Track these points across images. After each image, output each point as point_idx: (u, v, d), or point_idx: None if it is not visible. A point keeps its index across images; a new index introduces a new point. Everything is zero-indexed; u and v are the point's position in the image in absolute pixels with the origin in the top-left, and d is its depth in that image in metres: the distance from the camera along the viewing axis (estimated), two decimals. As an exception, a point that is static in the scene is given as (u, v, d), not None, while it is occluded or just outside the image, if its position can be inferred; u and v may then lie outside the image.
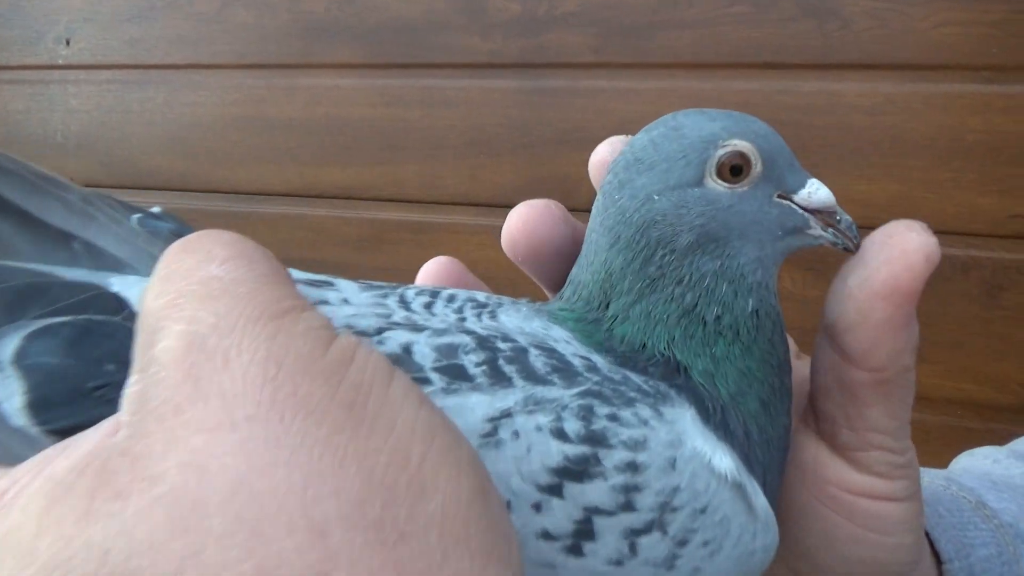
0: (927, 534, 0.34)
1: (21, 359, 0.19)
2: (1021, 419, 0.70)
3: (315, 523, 0.14)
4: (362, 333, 0.22)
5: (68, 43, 0.96)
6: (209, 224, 0.83)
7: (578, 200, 0.29)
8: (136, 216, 0.25)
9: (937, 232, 0.76)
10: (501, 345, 0.23)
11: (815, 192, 0.26)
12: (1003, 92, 0.67)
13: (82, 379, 0.19)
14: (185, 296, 0.17)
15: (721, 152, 0.25)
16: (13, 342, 0.19)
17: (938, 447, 0.60)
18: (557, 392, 0.22)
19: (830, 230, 0.26)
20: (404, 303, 0.25)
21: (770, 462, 0.26)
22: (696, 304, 0.26)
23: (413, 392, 0.17)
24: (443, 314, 0.25)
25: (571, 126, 0.79)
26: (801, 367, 0.30)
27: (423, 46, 0.83)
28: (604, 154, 0.30)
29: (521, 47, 0.80)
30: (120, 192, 0.97)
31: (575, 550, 0.21)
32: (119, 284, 0.22)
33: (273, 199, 0.91)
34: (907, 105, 0.70)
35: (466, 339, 0.23)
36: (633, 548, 0.21)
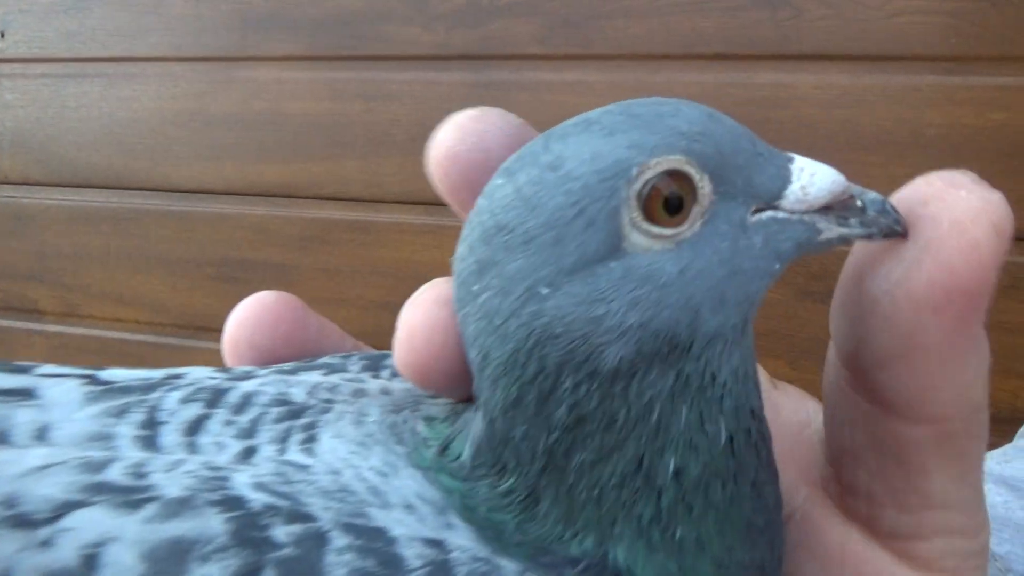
0: None
1: None
2: (997, 430, 0.66)
3: None
4: (22, 521, 0.13)
5: (3, 35, 0.93)
6: (148, 224, 0.78)
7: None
8: None
9: (894, 231, 0.71)
10: (278, 534, 0.14)
11: (812, 181, 0.17)
12: (963, 84, 0.64)
13: None
14: None
15: (639, 186, 0.16)
16: None
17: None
18: None
19: (852, 220, 0.17)
20: (150, 427, 0.16)
21: None
22: (642, 461, 0.16)
23: None
24: (215, 445, 0.15)
25: (517, 121, 0.76)
26: (786, 403, 0.21)
27: (365, 38, 0.79)
28: (448, 144, 0.20)
29: (465, 39, 0.76)
30: (57, 190, 0.93)
31: None
32: None
33: (212, 197, 0.87)
34: (863, 98, 0.66)
35: (215, 526, 0.13)
36: None
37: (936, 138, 0.64)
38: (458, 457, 0.16)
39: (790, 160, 0.17)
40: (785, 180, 0.17)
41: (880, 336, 0.17)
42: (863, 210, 0.17)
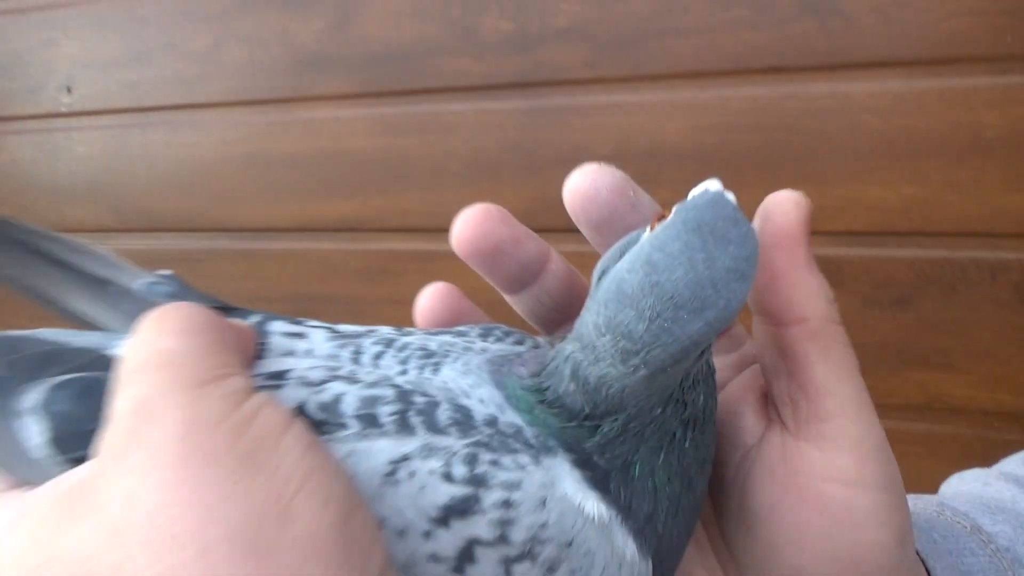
0: (924, 563, 0.34)
1: (47, 406, 0.25)
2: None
3: (201, 543, 0.20)
4: (309, 383, 0.26)
5: (69, 91, 0.97)
6: (219, 263, 0.84)
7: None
8: (144, 281, 0.30)
9: (961, 235, 0.72)
10: (417, 399, 0.26)
11: None
12: (1021, 83, 0.63)
13: (87, 422, 0.24)
14: (141, 364, 0.22)
15: None
16: (39, 394, 0.25)
17: (978, 461, 0.56)
18: (450, 441, 0.25)
19: None
20: (357, 354, 0.28)
21: (683, 533, 0.28)
22: (667, 415, 0.27)
23: (301, 442, 0.22)
24: (387, 366, 0.28)
25: (571, 145, 0.77)
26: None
27: (417, 72, 0.81)
28: (581, 186, 0.30)
29: (515, 66, 0.78)
30: (131, 236, 0.97)
31: (459, 571, 0.24)
32: (118, 346, 0.27)
33: (278, 235, 0.90)
34: (919, 103, 0.66)
35: (388, 392, 0.26)
36: (508, 573, 0.24)
37: (996, 139, 0.64)
38: (544, 389, 0.27)
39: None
40: None
41: (759, 276, 0.27)
42: None
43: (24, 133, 1.00)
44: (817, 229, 0.70)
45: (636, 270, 0.24)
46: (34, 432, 0.25)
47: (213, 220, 0.93)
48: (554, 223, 0.74)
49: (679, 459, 0.27)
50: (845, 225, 0.69)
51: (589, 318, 0.26)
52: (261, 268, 0.91)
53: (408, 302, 1.02)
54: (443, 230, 0.94)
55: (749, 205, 0.24)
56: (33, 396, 0.26)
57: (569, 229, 0.30)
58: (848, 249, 0.69)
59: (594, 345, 0.25)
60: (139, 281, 0.30)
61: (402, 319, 1.00)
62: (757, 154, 0.71)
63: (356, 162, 0.85)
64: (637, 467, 0.27)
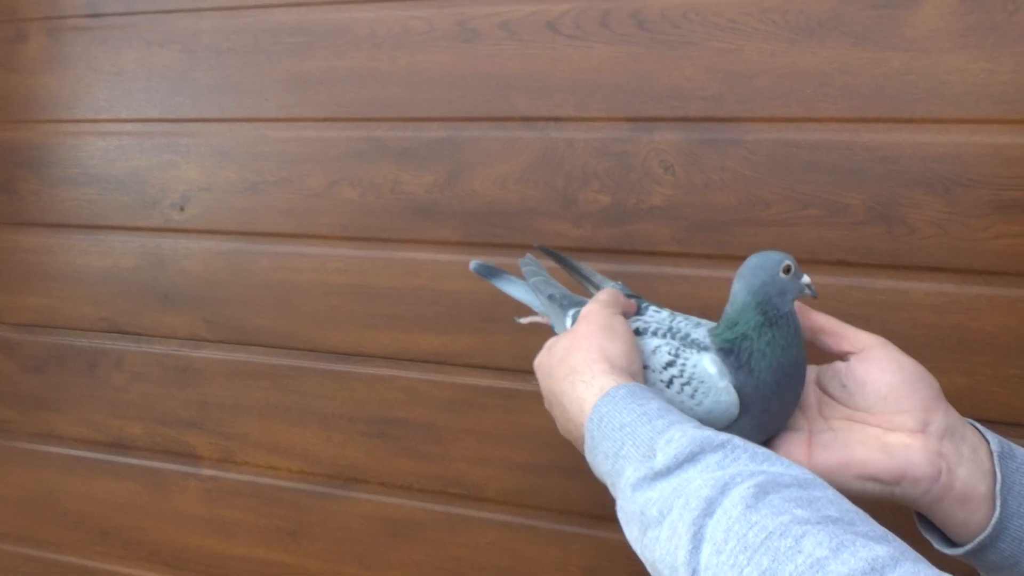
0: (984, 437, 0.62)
1: (573, 315, 0.72)
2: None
3: (576, 338, 0.64)
4: (643, 321, 0.68)
5: (182, 209, 1.05)
6: (306, 381, 0.96)
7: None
8: (609, 283, 0.76)
9: (1007, 424, 0.81)
10: (674, 328, 0.66)
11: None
12: (1060, 297, 0.74)
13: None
14: (594, 300, 0.69)
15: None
16: (572, 310, 0.72)
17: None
18: (675, 343, 0.65)
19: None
20: (672, 316, 0.68)
21: (771, 378, 0.61)
22: (762, 327, 0.62)
23: (628, 329, 0.66)
24: (675, 320, 0.67)
25: (656, 308, 0.86)
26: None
27: (517, 229, 0.91)
28: None
29: (609, 235, 0.88)
30: (222, 347, 1.03)
31: (666, 383, 0.63)
32: (593, 298, 0.70)
33: (368, 360, 0.98)
34: (971, 305, 0.76)
35: (664, 325, 0.67)
36: (681, 389, 0.63)
37: (1040, 344, 0.74)
38: (717, 327, 0.65)
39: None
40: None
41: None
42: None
43: (131, 243, 1.08)
44: (877, 406, 0.79)
45: (743, 275, 0.63)
46: (568, 321, 0.71)
47: (305, 341, 1.00)
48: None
49: (770, 341, 0.61)
50: (902, 405, 0.78)
51: (734, 293, 0.64)
52: (347, 390, 0.98)
53: (489, 435, 1.10)
54: (530, 371, 1.01)
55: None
56: (570, 310, 0.72)
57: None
58: (904, 426, 0.78)
59: (734, 300, 0.63)
60: (607, 283, 0.75)
61: (482, 450, 1.08)
62: (825, 334, 0.80)
63: (451, 302, 0.94)
64: (744, 351, 0.61)
